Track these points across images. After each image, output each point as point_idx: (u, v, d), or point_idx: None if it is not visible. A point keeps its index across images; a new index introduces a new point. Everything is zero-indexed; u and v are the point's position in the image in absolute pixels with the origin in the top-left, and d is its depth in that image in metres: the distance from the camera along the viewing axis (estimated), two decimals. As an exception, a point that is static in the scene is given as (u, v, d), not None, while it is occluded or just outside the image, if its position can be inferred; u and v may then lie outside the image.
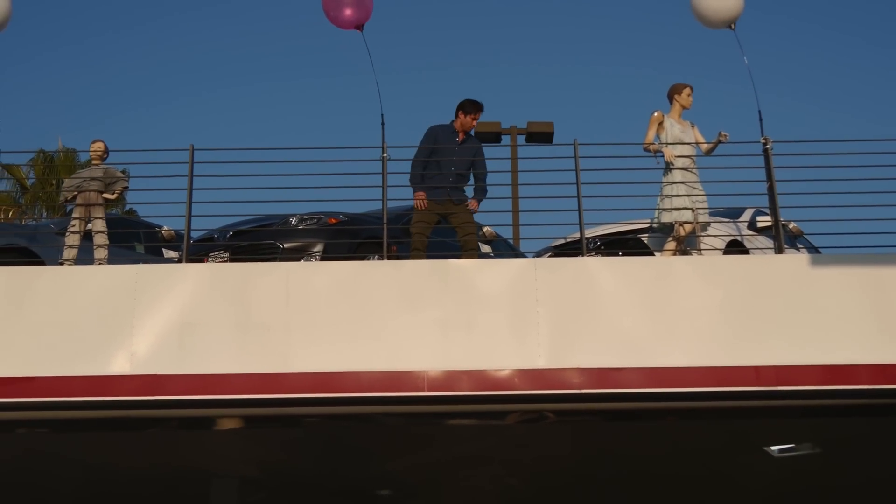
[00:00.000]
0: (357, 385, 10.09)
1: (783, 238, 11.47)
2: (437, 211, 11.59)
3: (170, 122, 54.24)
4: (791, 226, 13.46)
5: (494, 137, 21.45)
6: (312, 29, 65.90)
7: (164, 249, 14.02)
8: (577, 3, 61.39)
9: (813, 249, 13.23)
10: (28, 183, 32.92)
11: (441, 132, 11.88)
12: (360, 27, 11.95)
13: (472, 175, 11.87)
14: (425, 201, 11.52)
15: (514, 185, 18.96)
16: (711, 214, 12.72)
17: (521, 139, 21.82)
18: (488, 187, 11.93)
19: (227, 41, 60.00)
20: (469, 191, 11.80)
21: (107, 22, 58.77)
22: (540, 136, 21.30)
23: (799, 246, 13.43)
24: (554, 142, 21.70)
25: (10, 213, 30.08)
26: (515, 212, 17.35)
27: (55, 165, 31.03)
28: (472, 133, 12.10)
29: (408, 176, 11.71)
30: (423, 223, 11.51)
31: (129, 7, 58.61)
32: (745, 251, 12.36)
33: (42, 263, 12.06)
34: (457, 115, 11.89)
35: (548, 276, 10.56)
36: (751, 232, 12.83)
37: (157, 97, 57.51)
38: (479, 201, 11.79)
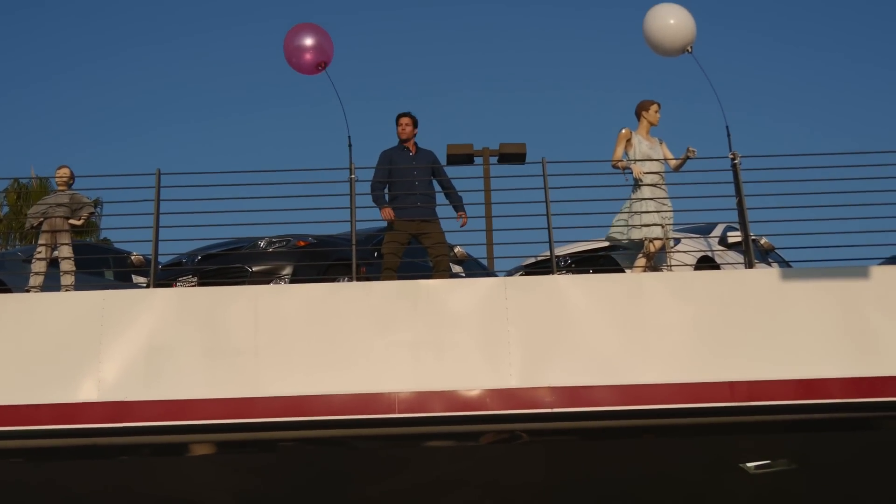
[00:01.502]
0: (328, 408, 10.03)
1: (754, 253, 11.45)
2: (408, 230, 11.55)
3: (141, 153, 54.05)
4: (762, 241, 13.45)
5: (467, 159, 21.42)
6: (278, 62, 65.73)
7: (133, 276, 13.89)
8: (547, 26, 61.51)
9: (784, 264, 13.24)
10: (1, 212, 32.70)
11: (393, 152, 12.00)
12: (322, 66, 11.89)
13: (436, 188, 11.91)
14: (392, 215, 11.55)
15: (487, 203, 18.95)
16: (683, 230, 12.72)
17: (494, 161, 21.78)
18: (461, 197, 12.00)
19: (193, 74, 59.91)
20: (441, 209, 11.78)
21: (81, 54, 58.66)
22: (513, 157, 21.27)
23: (770, 261, 13.41)
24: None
25: (-16, 243, 29.85)
26: (489, 231, 17.34)
27: (29, 194, 30.76)
28: (418, 145, 12.15)
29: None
30: (395, 243, 11.47)
31: (99, 40, 58.49)
32: (716, 267, 12.33)
33: (9, 291, 11.95)
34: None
35: (518, 295, 10.51)
36: (722, 247, 12.81)
37: (129, 129, 57.38)
38: (464, 210, 11.88)
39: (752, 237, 12.23)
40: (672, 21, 11.93)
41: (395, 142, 11.96)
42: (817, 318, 10.45)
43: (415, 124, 12.05)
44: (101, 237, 28.96)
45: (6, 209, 32.00)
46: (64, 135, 55.82)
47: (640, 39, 12.02)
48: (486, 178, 20.05)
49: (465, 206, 11.96)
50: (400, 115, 12.05)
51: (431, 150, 12.19)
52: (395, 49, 62.84)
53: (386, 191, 11.79)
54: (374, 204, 11.67)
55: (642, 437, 10.99)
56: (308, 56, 11.76)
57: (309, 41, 11.76)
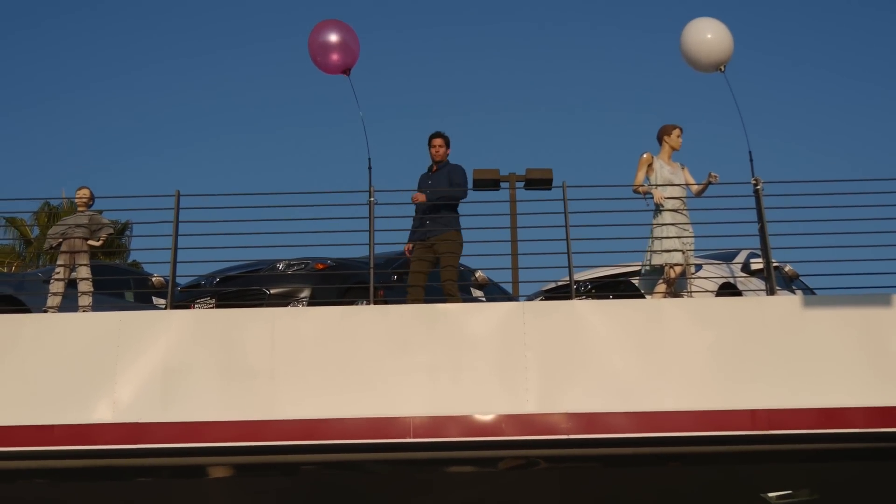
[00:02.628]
0: (343, 432, 9.97)
1: (778, 280, 11.32)
2: (425, 256, 11.53)
3: (162, 173, 54.35)
4: (787, 268, 13.32)
5: (493, 184, 21.35)
6: (301, 79, 65.97)
7: (154, 297, 13.89)
8: (574, 49, 61.56)
9: (809, 292, 13.09)
10: (32, 235, 32.92)
11: (422, 175, 12.03)
12: (347, 72, 11.89)
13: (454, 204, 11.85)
14: (409, 252, 11.61)
15: (513, 228, 18.90)
16: (706, 256, 12.61)
17: (520, 186, 21.70)
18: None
19: (215, 92, 60.22)
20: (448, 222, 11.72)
21: (100, 76, 59.05)
22: (539, 182, 21.19)
23: (794, 288, 13.27)
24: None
25: (13, 266, 30.05)
26: (514, 255, 17.27)
27: (59, 216, 30.98)
28: (448, 162, 12.10)
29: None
30: (417, 273, 11.48)
31: (121, 58, 58.87)
32: (738, 293, 12.20)
33: (29, 311, 11.96)
34: None
35: (536, 319, 10.43)
36: (744, 274, 12.68)
37: (147, 147, 57.71)
38: (424, 196, 11.71)
39: (776, 264, 12.12)
40: (709, 36, 11.87)
41: (419, 164, 11.94)
42: (839, 345, 10.32)
43: (447, 144, 12.00)
44: (131, 260, 29.12)
45: (37, 231, 32.23)
46: (90, 155, 56.17)
47: (671, 63, 11.97)
48: (513, 202, 19.97)
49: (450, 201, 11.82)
50: (432, 136, 12.03)
51: (459, 165, 12.10)
52: (421, 70, 63.00)
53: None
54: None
55: (660, 465, 10.88)
56: (335, 56, 11.72)
57: (340, 40, 11.72)
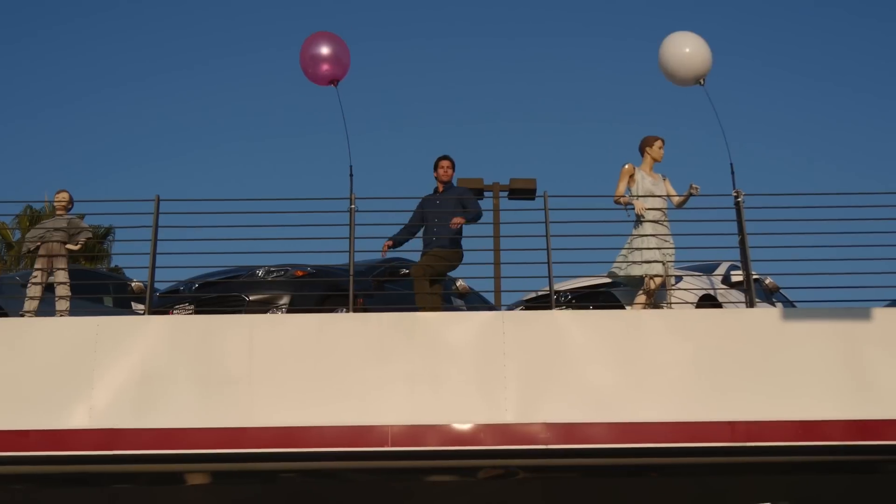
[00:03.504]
0: (320, 440, 9.92)
1: (757, 292, 11.31)
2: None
3: (143, 182, 54.28)
4: (767, 281, 13.31)
5: (477, 194, 21.31)
6: (286, 87, 65.90)
7: (133, 303, 13.81)
8: (559, 60, 61.66)
9: (789, 305, 13.07)
10: (13, 238, 32.83)
11: (426, 197, 12.05)
12: (335, 83, 11.87)
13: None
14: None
15: (496, 238, 18.87)
16: (687, 268, 12.59)
17: (504, 196, 21.70)
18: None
19: (199, 103, 60.15)
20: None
21: (90, 83, 58.92)
22: (522, 192, 21.20)
23: (775, 301, 13.26)
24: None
25: (-5, 270, 29.92)
26: (497, 264, 17.26)
27: (42, 220, 30.93)
28: (454, 184, 12.15)
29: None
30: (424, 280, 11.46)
31: (109, 68, 58.79)
32: (718, 305, 12.19)
33: (6, 315, 11.89)
34: None
35: (515, 329, 10.41)
36: (725, 286, 12.67)
37: (137, 157, 57.59)
38: (464, 218, 11.66)
39: (756, 276, 12.11)
40: (688, 50, 11.88)
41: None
42: (818, 358, 10.32)
43: (453, 166, 12.05)
44: (113, 265, 29.01)
45: (18, 234, 32.16)
46: (76, 160, 56.04)
47: (651, 74, 11.99)
48: (496, 211, 19.98)
49: (471, 223, 11.83)
50: (440, 159, 12.04)
51: (465, 189, 12.17)
52: (407, 79, 63.01)
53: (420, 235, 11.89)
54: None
55: (639, 476, 10.86)
56: (325, 67, 11.72)
57: (330, 52, 11.72)
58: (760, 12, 58.96)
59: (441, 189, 12.01)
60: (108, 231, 31.86)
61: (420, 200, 12.01)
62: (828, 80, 59.84)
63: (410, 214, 11.93)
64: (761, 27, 59.34)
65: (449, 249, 11.57)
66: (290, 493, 11.61)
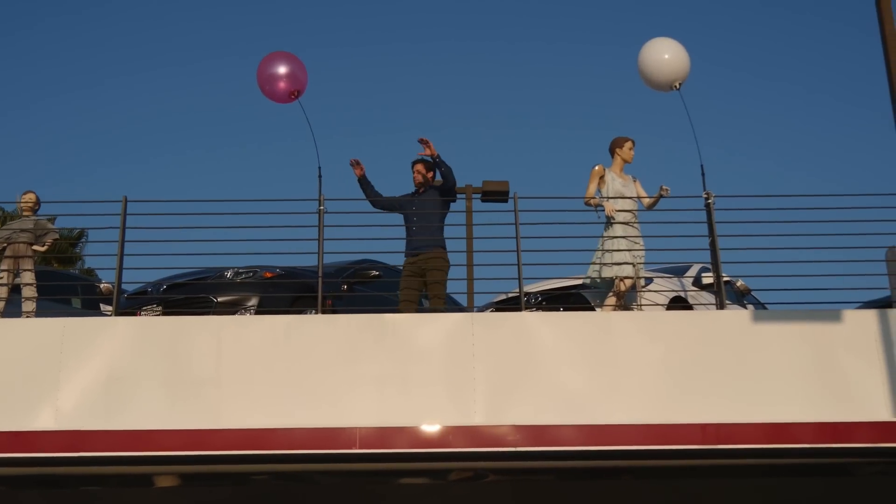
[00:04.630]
0: (288, 442, 9.87)
1: (729, 295, 11.30)
2: (414, 269, 11.51)
3: (110, 185, 53.98)
4: (738, 283, 13.29)
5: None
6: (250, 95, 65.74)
7: (101, 305, 13.72)
8: (530, 65, 61.69)
9: (761, 307, 13.06)
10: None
11: (403, 196, 12.03)
12: (295, 95, 11.80)
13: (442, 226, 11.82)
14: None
15: (469, 239, 18.84)
16: (658, 270, 12.57)
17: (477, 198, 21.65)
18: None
19: (168, 105, 59.92)
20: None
21: (57, 84, 58.60)
22: (495, 194, 21.13)
23: (746, 304, 13.26)
24: (509, 201, 21.52)
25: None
26: (470, 266, 17.21)
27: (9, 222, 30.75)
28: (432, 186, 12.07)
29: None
30: (408, 290, 11.46)
31: (76, 68, 58.52)
32: (688, 307, 12.17)
33: (-28, 316, 11.79)
34: None
35: (485, 331, 10.37)
36: (696, 288, 12.65)
37: (97, 161, 57.32)
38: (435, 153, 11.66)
39: (727, 279, 12.10)
40: (667, 56, 11.89)
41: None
42: (789, 361, 10.33)
43: (428, 168, 11.95)
44: (85, 267, 28.86)
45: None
46: (39, 163, 55.75)
47: (626, 78, 12.00)
48: (469, 213, 19.94)
49: (447, 181, 11.82)
50: (415, 162, 11.95)
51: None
52: (379, 85, 62.90)
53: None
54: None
55: (609, 478, 10.83)
56: (282, 84, 11.68)
57: (283, 69, 11.67)
58: (740, 19, 59.11)
59: (422, 191, 11.96)
60: (81, 234, 31.70)
61: (397, 196, 12.00)
62: (813, 88, 60.05)
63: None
64: (739, 34, 59.46)
65: (445, 255, 11.62)
66: (260, 496, 11.54)
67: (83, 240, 32.16)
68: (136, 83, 57.18)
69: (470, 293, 16.60)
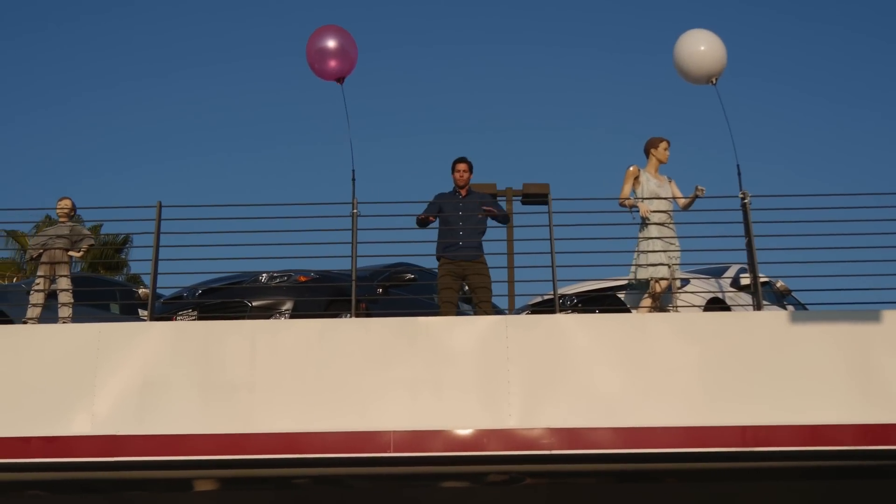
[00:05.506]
0: (322, 446, 9.86)
1: (769, 295, 11.18)
2: (454, 272, 11.44)
3: (142, 186, 54.42)
4: (778, 284, 13.16)
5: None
6: (291, 91, 65.82)
7: (140, 310, 13.78)
8: (565, 68, 61.56)
9: (800, 308, 12.93)
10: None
11: (444, 196, 11.88)
12: (340, 80, 11.80)
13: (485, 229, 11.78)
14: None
15: (510, 241, 18.82)
16: (696, 271, 12.47)
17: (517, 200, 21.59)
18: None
19: (198, 107, 60.24)
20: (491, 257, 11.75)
21: (98, 86, 59.02)
22: (536, 197, 21.04)
23: (786, 304, 13.11)
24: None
25: (15, 279, 30.02)
26: (511, 268, 17.17)
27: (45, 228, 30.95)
28: (471, 189, 12.06)
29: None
30: (447, 290, 11.40)
31: (111, 69, 58.97)
32: (726, 309, 12.05)
33: (11, 322, 11.87)
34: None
35: (519, 333, 10.31)
36: (734, 289, 12.52)
37: (131, 161, 57.70)
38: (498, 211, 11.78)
39: (766, 279, 11.97)
40: (703, 48, 11.79)
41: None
42: (827, 362, 10.19)
43: (471, 169, 11.89)
44: (130, 272, 29.06)
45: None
46: (67, 165, 56.21)
47: (663, 80, 11.90)
48: (510, 216, 19.85)
49: (500, 220, 11.90)
50: (457, 161, 11.88)
51: (486, 194, 12.14)
52: (414, 86, 62.93)
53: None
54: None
55: (646, 481, 10.74)
56: (333, 63, 11.65)
57: (339, 47, 11.65)
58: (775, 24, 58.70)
59: (465, 193, 11.88)
60: (126, 239, 31.91)
61: (436, 199, 11.88)
62: (833, 97, 59.56)
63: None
64: (775, 39, 59.05)
65: (481, 259, 11.59)
66: (299, 501, 11.54)
67: (128, 245, 32.37)
68: (163, 84, 57.54)
69: (511, 295, 16.58)
